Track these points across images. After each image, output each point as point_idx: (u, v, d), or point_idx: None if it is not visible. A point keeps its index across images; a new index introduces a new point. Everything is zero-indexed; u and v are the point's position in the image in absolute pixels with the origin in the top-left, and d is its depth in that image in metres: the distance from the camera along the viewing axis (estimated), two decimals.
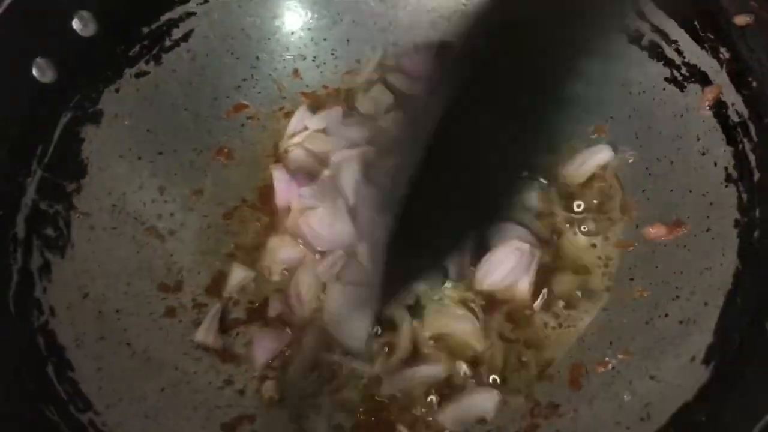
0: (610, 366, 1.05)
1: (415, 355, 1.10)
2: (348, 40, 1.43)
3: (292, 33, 1.41)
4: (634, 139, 1.24)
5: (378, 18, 1.42)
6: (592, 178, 1.24)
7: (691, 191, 1.12)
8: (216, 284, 1.20)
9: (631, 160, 1.23)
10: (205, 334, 1.14)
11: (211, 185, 1.31)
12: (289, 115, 1.37)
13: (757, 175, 1.04)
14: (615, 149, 1.24)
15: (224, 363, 1.13)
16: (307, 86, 1.42)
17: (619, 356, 1.05)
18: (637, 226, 1.18)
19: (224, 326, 1.16)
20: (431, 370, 1.07)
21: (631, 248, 1.16)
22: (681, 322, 1.03)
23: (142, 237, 1.21)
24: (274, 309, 1.15)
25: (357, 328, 1.08)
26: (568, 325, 1.12)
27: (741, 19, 1.07)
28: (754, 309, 0.95)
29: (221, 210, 1.28)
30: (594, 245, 1.18)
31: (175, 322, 1.16)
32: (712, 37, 1.12)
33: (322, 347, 1.09)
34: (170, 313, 1.16)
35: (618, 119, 1.27)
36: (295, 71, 1.41)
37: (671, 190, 1.15)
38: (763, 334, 0.91)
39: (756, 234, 1.01)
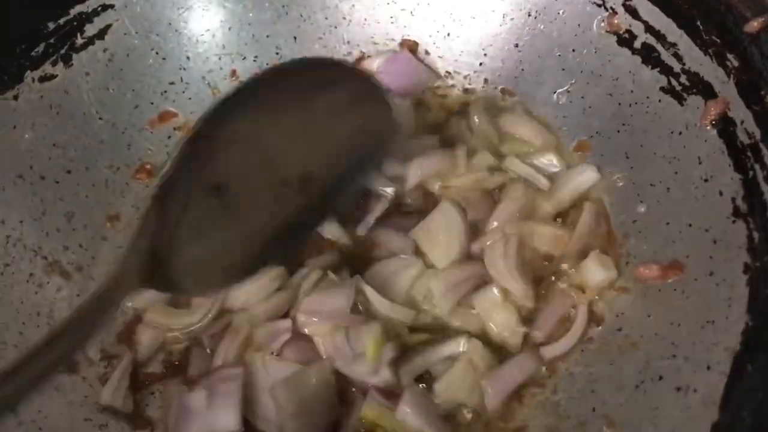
0: None
1: None
2: (295, 38, 1.25)
3: (230, 28, 1.23)
4: (624, 159, 1.06)
5: (329, 11, 1.23)
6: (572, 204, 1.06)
7: (690, 225, 0.95)
8: (130, 331, 1.02)
9: (620, 184, 1.05)
10: (113, 393, 0.96)
11: (129, 209, 1.13)
12: None
13: None
14: (600, 170, 1.07)
15: (135, 430, 0.95)
16: None
17: (604, 429, 0.88)
18: (626, 264, 1.00)
19: (137, 383, 0.98)
20: None
21: (619, 291, 0.98)
22: (678, 389, 0.85)
23: (42, 274, 1.02)
24: (195, 367, 0.97)
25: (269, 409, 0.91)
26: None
27: (752, 26, 0.89)
28: None
29: None
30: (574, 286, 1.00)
31: (76, 379, 0.97)
32: (718, 40, 0.94)
33: None
34: (71, 368, 0.98)
35: (604, 135, 1.09)
36: (233, 73, 1.24)
37: (667, 223, 0.98)
38: None
39: None
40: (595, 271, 0.99)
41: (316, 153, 0.92)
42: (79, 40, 1.12)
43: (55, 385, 0.95)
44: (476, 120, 1.14)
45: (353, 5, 1.23)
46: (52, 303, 1.01)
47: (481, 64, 1.20)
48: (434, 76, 1.22)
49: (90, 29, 1.12)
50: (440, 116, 1.19)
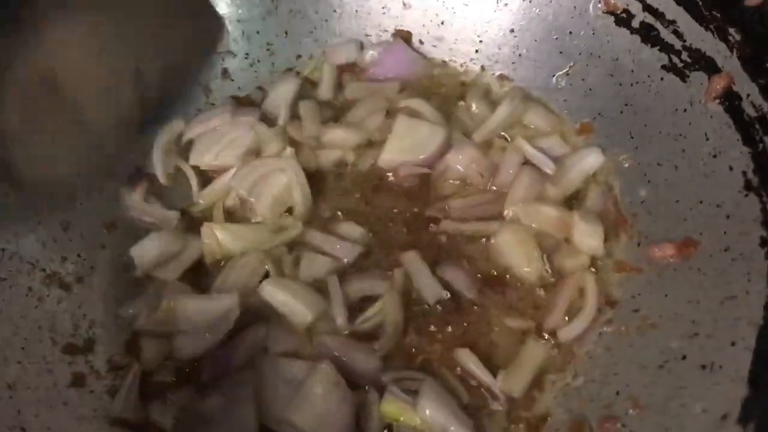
0: (619, 424, 0.86)
1: None
2: (286, 33, 1.23)
3: None
4: (628, 140, 1.05)
5: (320, 5, 1.21)
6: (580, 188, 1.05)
7: (701, 202, 0.94)
8: (137, 340, 0.99)
9: (626, 165, 1.05)
10: (124, 404, 0.93)
11: (125, 216, 1.09)
12: None
13: None
14: (605, 152, 1.06)
15: None
16: (239, 89, 1.21)
17: (630, 411, 0.86)
18: (638, 245, 0.99)
19: (148, 393, 0.95)
20: None
21: (633, 272, 0.97)
22: (703, 367, 0.84)
23: (41, 287, 0.98)
24: (207, 373, 0.94)
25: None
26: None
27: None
28: None
29: None
30: (588, 269, 0.99)
31: (84, 392, 0.94)
32: (719, 15, 0.93)
33: None
34: (79, 382, 0.94)
35: (607, 116, 1.08)
36: (224, 72, 1.21)
37: (677, 201, 0.97)
38: None
39: None
40: (583, 234, 0.99)
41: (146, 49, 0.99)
42: None
43: (63, 400, 0.92)
44: (474, 108, 1.12)
45: None
46: (54, 316, 0.98)
47: (477, 51, 1.19)
48: (429, 66, 1.20)
49: None
50: (438, 105, 1.17)
